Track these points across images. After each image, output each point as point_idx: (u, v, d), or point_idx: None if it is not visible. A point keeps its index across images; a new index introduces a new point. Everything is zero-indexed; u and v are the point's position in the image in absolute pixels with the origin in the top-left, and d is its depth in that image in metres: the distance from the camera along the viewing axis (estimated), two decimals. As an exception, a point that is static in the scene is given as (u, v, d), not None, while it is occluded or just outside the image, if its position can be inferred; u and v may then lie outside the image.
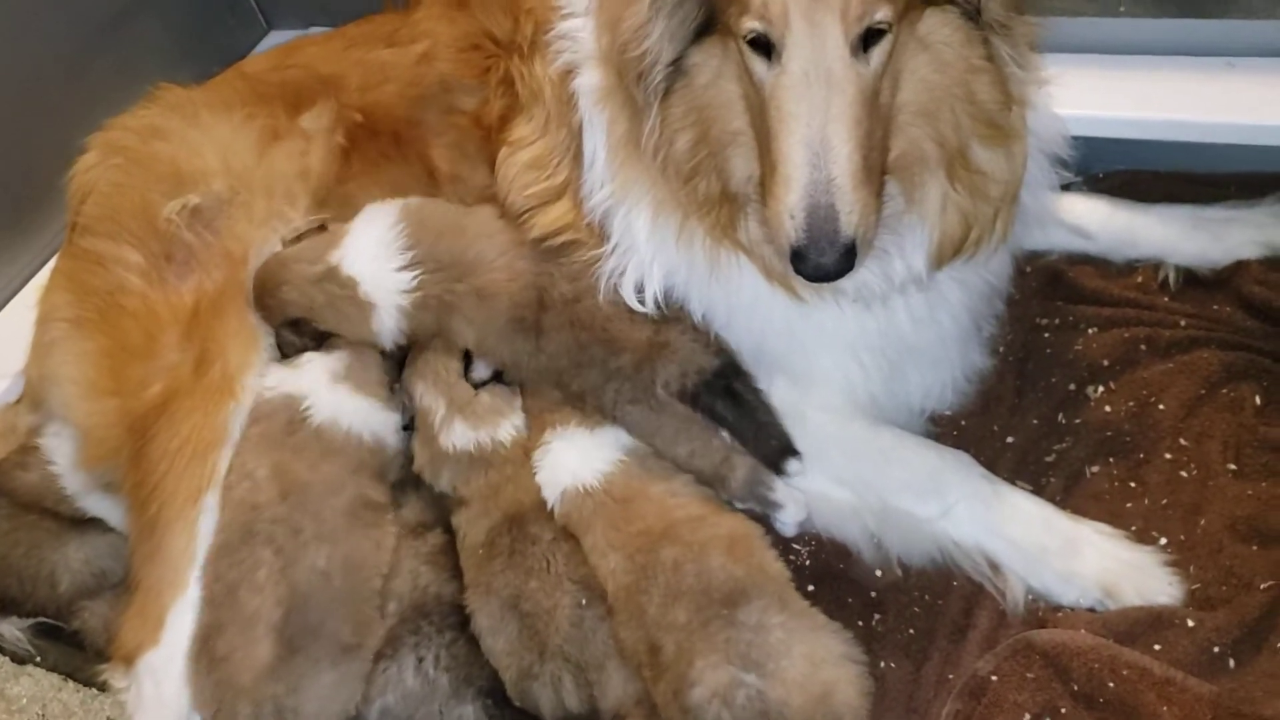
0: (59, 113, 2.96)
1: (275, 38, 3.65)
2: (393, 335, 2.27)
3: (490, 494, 2.14)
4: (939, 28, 1.78)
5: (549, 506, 2.09)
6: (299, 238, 2.30)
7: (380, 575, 2.08)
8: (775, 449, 2.09)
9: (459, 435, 2.19)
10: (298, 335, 2.24)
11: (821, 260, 1.70)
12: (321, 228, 2.32)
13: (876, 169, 1.76)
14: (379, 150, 2.44)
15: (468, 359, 2.26)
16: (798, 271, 1.74)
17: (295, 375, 2.22)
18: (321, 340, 2.26)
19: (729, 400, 2.11)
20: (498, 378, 2.27)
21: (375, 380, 2.25)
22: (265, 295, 2.22)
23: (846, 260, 1.70)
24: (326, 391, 2.19)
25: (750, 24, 1.71)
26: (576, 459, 2.11)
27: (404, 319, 2.24)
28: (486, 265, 2.22)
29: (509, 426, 2.21)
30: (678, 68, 1.86)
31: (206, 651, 1.98)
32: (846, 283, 1.91)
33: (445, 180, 2.45)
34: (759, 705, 1.74)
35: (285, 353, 2.27)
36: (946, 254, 1.96)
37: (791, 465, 2.07)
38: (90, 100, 2.87)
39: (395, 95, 2.46)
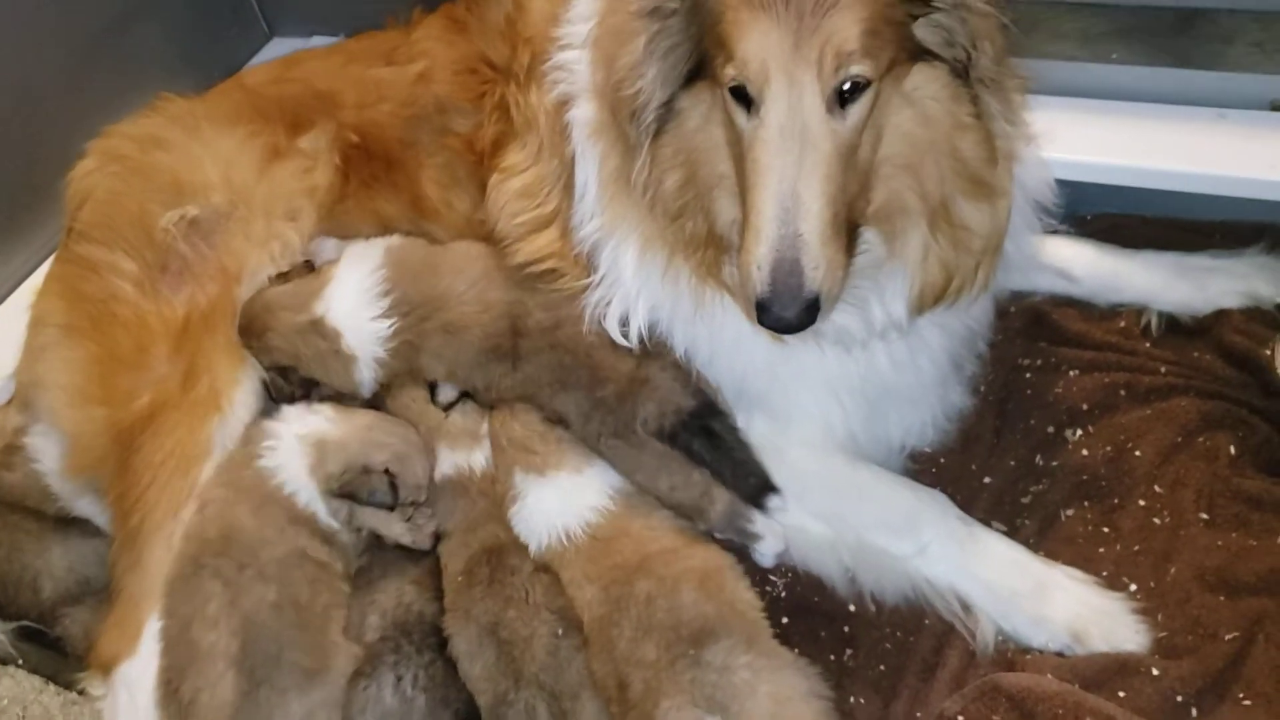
0: (58, 116, 2.96)
1: (278, 45, 3.65)
2: (370, 387, 2.27)
3: (469, 528, 2.15)
4: (926, 83, 1.78)
5: (531, 552, 2.11)
6: (284, 275, 2.29)
7: (332, 620, 2.08)
8: (754, 486, 2.11)
9: (442, 460, 2.21)
10: (286, 381, 2.24)
11: (783, 314, 1.71)
12: (307, 265, 2.32)
13: (847, 224, 1.76)
14: (371, 174, 2.45)
15: (432, 385, 2.27)
16: (760, 322, 1.75)
17: (289, 415, 2.20)
18: (310, 387, 2.26)
19: (706, 440, 2.12)
20: (466, 395, 2.28)
21: (329, 472, 2.14)
22: (251, 337, 2.22)
23: (808, 315, 1.72)
24: (287, 445, 2.16)
25: (732, 74, 1.72)
26: (560, 507, 2.12)
27: (380, 369, 2.24)
28: (456, 299, 2.23)
29: (480, 456, 2.23)
30: (669, 109, 1.87)
31: (173, 699, 1.98)
32: (826, 327, 1.93)
33: (432, 209, 2.46)
34: None
35: (274, 397, 2.26)
36: (927, 302, 1.97)
37: (772, 501, 2.09)
38: (90, 104, 2.88)
39: (390, 114, 2.47)
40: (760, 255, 1.71)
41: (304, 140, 2.41)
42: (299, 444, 2.15)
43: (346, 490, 2.11)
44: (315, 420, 2.18)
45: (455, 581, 2.11)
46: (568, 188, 2.19)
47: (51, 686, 2.33)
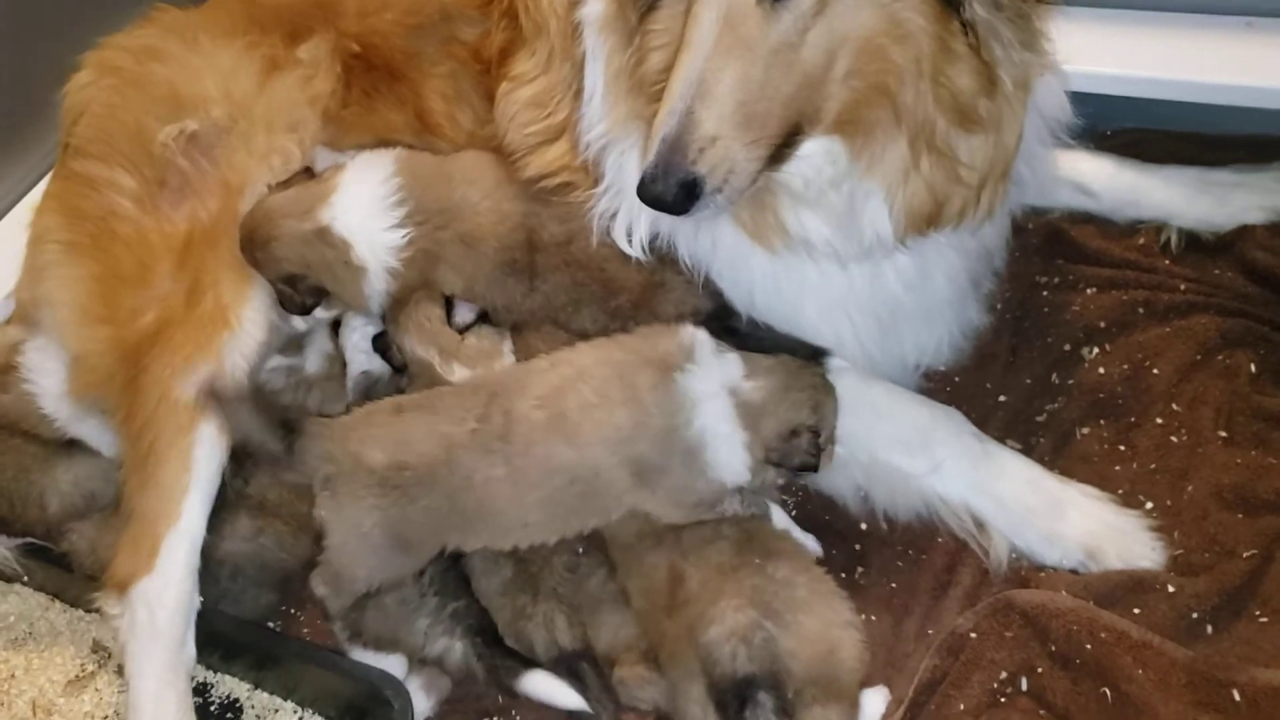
0: (54, 27, 2.90)
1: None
2: (380, 299, 2.22)
3: None
4: None
5: None
6: (285, 184, 2.24)
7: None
8: (805, 351, 2.07)
9: (461, 376, 2.17)
10: (296, 291, 2.20)
11: (654, 187, 1.69)
12: (308, 172, 2.27)
13: (765, 121, 1.71)
14: (373, 85, 2.40)
15: (448, 305, 2.23)
16: (638, 194, 1.73)
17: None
18: (321, 295, 2.22)
19: (732, 338, 2.08)
20: (484, 319, 2.24)
21: (765, 441, 1.94)
22: (255, 248, 2.17)
23: (684, 195, 1.69)
24: (716, 396, 1.94)
25: None
26: None
27: (392, 280, 2.19)
28: (471, 209, 2.19)
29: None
30: None
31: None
32: (812, 238, 1.93)
33: (436, 124, 2.41)
34: (771, 650, 1.78)
35: (286, 308, 2.23)
36: (918, 225, 1.90)
37: (833, 361, 2.07)
38: (86, 15, 2.83)
39: (393, 23, 2.40)
40: (656, 126, 1.70)
41: (303, 50, 2.34)
42: (729, 400, 1.94)
43: (777, 459, 1.94)
44: (731, 375, 1.96)
45: None
46: (579, 94, 2.14)
47: (57, 603, 2.37)
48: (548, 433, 1.93)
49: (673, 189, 1.68)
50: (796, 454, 1.94)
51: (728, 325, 2.10)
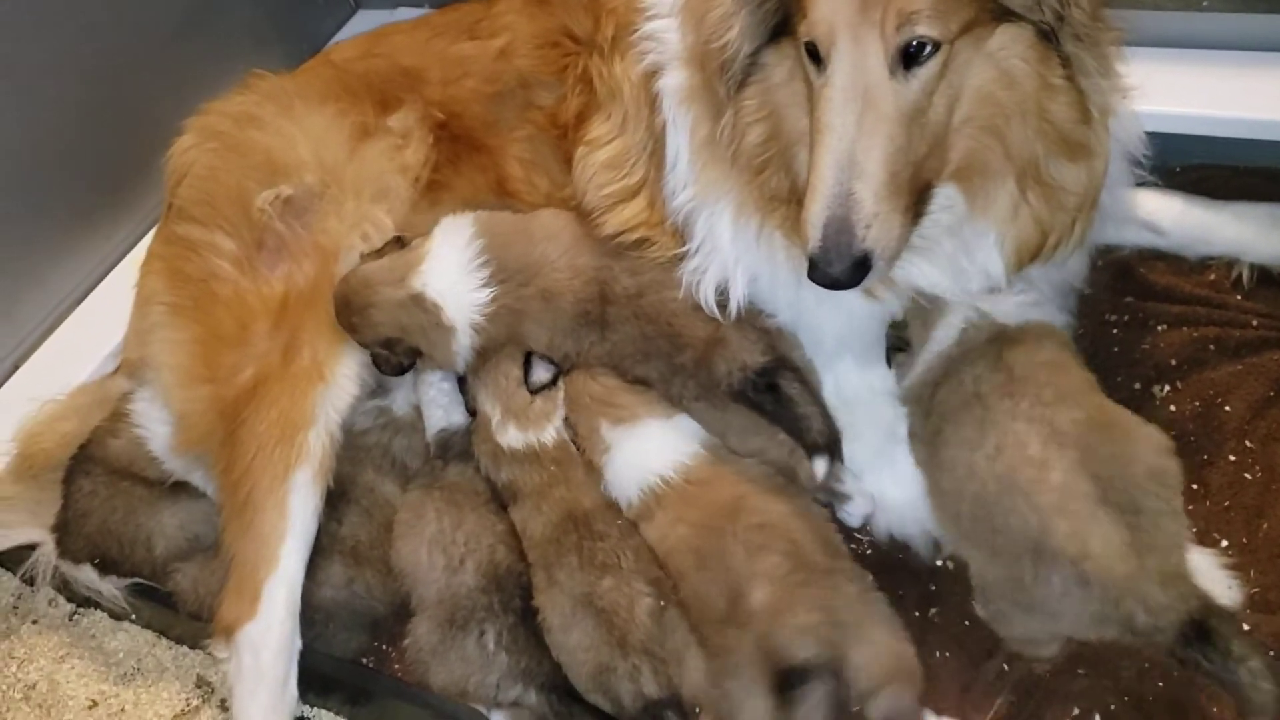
0: (156, 91, 3.07)
1: (363, 17, 3.73)
2: (467, 356, 2.29)
3: (541, 493, 2.20)
4: (1011, 44, 1.75)
5: (627, 501, 2.15)
6: (379, 252, 2.33)
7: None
8: (810, 442, 2.07)
9: (512, 437, 2.25)
10: (392, 353, 2.28)
11: (830, 270, 1.73)
12: (399, 241, 2.36)
13: (909, 185, 1.76)
14: (456, 152, 2.49)
15: (527, 364, 2.29)
16: (810, 278, 1.76)
17: None
18: (416, 356, 2.30)
19: (771, 394, 2.11)
20: (556, 380, 2.30)
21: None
22: (351, 314, 2.26)
23: (857, 272, 1.73)
24: None
25: (806, 32, 1.74)
26: (649, 453, 2.16)
27: (478, 336, 2.26)
28: (550, 265, 2.26)
29: (551, 430, 2.26)
30: (755, 63, 1.89)
31: None
32: (922, 284, 1.97)
33: (515, 189, 2.49)
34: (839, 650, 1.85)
35: (382, 370, 2.31)
36: (1024, 259, 1.96)
37: (817, 464, 2.04)
38: (186, 78, 2.99)
39: (474, 91, 2.50)
40: (814, 212, 1.73)
41: (393, 119, 2.45)
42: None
43: None
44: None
45: (541, 547, 2.15)
46: (654, 156, 2.20)
47: (164, 640, 2.49)
48: None
49: (847, 269, 1.72)
50: None
51: (772, 382, 2.11)
